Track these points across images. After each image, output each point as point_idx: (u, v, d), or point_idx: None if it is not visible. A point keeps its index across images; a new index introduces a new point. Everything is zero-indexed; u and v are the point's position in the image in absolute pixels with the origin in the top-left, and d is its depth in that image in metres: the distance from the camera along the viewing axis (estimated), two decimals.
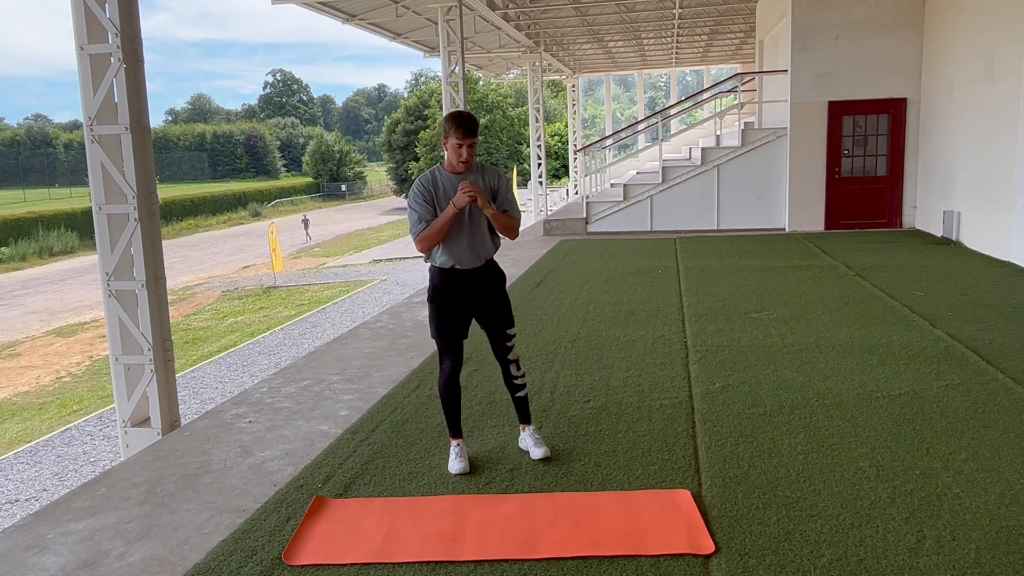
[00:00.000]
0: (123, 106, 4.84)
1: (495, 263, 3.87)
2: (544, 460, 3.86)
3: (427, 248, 3.66)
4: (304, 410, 4.92)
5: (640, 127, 19.18)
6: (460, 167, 3.61)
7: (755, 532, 3.10)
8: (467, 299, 3.77)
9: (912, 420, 4.24)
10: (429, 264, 3.80)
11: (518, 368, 3.93)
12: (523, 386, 3.95)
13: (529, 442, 3.95)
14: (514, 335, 3.90)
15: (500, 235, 3.79)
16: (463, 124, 3.54)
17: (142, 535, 3.33)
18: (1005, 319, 6.44)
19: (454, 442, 3.89)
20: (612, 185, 17.01)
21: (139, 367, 5.09)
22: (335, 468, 3.93)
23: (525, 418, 4.01)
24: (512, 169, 45.38)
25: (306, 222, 44.55)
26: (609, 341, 6.23)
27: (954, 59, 10.81)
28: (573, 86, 30.80)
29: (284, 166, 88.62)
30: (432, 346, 6.34)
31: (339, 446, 4.23)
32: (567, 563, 2.93)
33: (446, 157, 3.68)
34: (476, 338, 6.38)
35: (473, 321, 3.86)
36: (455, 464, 3.80)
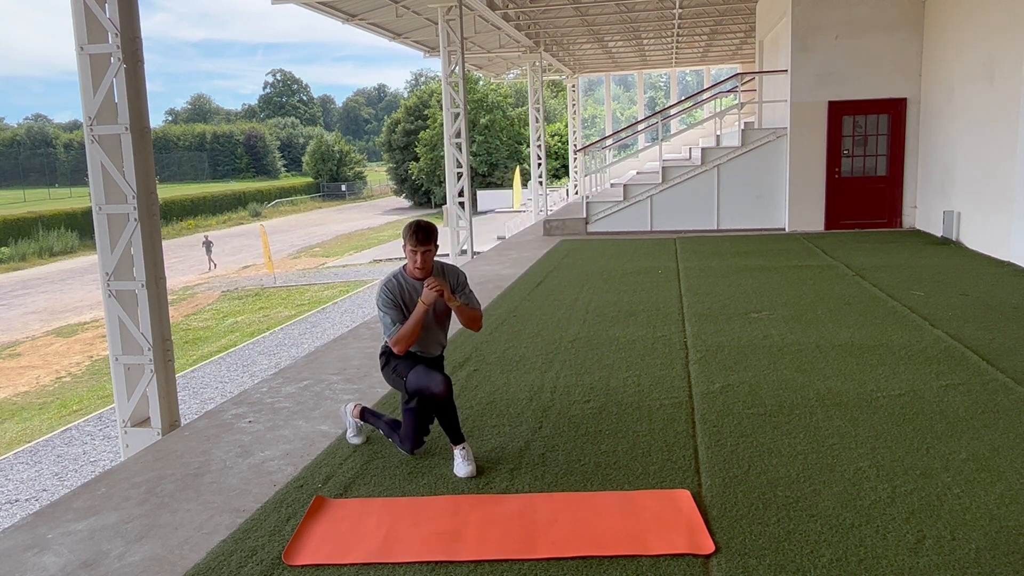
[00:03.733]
0: (123, 106, 4.84)
1: (443, 356, 4.20)
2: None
3: (404, 348, 3.86)
4: (304, 410, 4.92)
5: (640, 127, 19.17)
6: (417, 273, 3.88)
7: (755, 532, 3.10)
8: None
9: (912, 420, 4.25)
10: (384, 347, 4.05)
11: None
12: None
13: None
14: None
15: (465, 327, 4.02)
16: (417, 233, 3.81)
17: (142, 535, 3.33)
18: (1005, 319, 6.45)
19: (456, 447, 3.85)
20: (612, 185, 17.02)
21: (139, 367, 5.09)
22: (335, 468, 3.93)
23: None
24: (514, 169, 45.40)
25: (208, 245, 35.70)
26: (609, 341, 6.23)
27: (954, 59, 10.81)
28: (573, 86, 30.80)
29: (284, 166, 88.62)
30: None
31: (339, 446, 4.23)
32: (567, 563, 2.93)
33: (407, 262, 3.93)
34: (476, 338, 6.39)
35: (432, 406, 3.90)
36: (462, 468, 3.79)
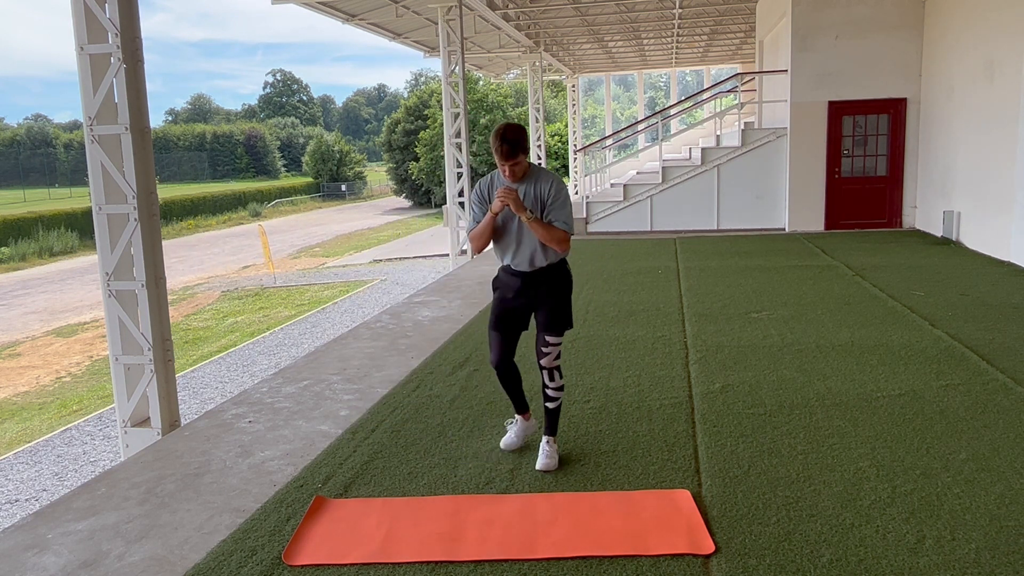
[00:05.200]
0: (123, 106, 4.84)
1: (556, 269, 3.77)
2: (543, 471, 3.78)
3: (477, 247, 3.72)
4: (304, 410, 4.92)
5: (640, 127, 19.18)
6: (508, 180, 3.65)
7: (755, 532, 3.10)
8: (518, 298, 3.77)
9: (912, 420, 4.25)
10: None
11: (551, 378, 3.81)
12: (554, 399, 3.84)
13: (542, 449, 3.86)
14: (556, 344, 3.76)
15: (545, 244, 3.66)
16: (502, 146, 3.53)
17: (142, 535, 3.33)
18: (1005, 319, 6.44)
19: (516, 417, 4.06)
20: (612, 185, 17.01)
21: (139, 367, 5.09)
22: (335, 468, 3.93)
23: (548, 429, 3.91)
24: None
25: None
26: (609, 341, 6.23)
27: (954, 59, 10.81)
28: (573, 86, 30.80)
29: (284, 166, 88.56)
30: (432, 346, 6.37)
31: (339, 446, 4.23)
32: (567, 563, 2.93)
33: None
34: (476, 338, 6.39)
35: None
36: (504, 439, 3.96)
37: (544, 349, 3.78)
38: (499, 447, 4.08)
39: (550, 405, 3.86)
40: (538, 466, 3.80)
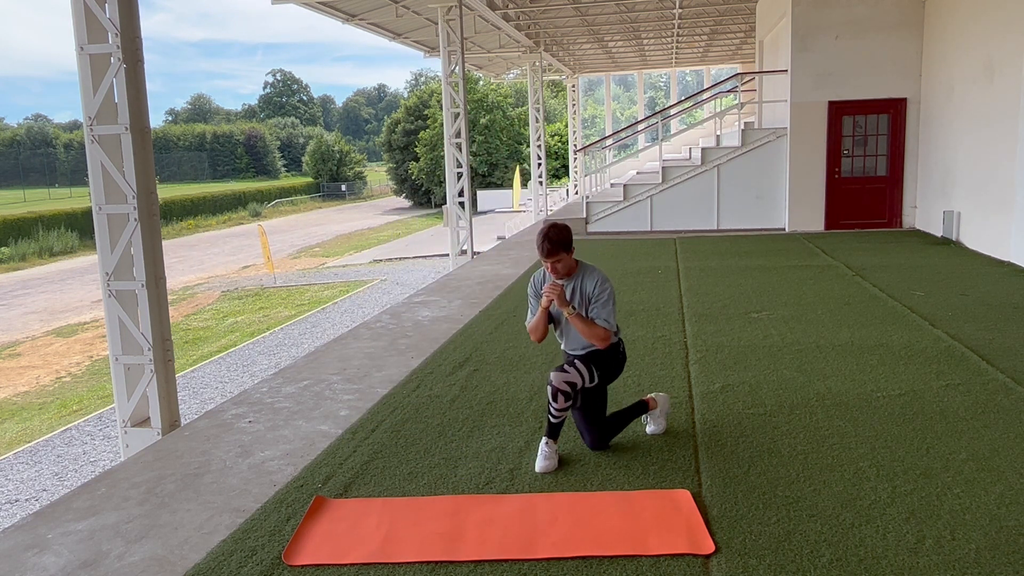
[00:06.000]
0: (123, 106, 4.84)
1: (605, 351, 3.91)
2: (543, 473, 3.78)
3: (535, 339, 3.97)
4: (304, 410, 4.92)
5: (640, 127, 19.18)
6: (554, 276, 3.87)
7: (755, 532, 3.10)
8: None
9: (912, 420, 4.25)
10: None
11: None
12: (559, 417, 3.90)
13: (541, 451, 3.87)
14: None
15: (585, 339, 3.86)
16: (543, 246, 3.75)
17: (142, 535, 3.33)
18: (1005, 319, 6.44)
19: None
20: (612, 185, 17.02)
21: (139, 367, 5.09)
22: (335, 468, 3.93)
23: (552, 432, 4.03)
24: (513, 169, 45.40)
25: None
26: None
27: (954, 59, 10.81)
28: (573, 86, 30.81)
29: (284, 166, 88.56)
30: (432, 346, 6.37)
31: (339, 446, 4.23)
32: (567, 563, 2.93)
33: None
34: (476, 338, 6.38)
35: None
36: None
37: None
38: (493, 450, 4.08)
39: (555, 421, 3.92)
40: (537, 468, 3.81)
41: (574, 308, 3.82)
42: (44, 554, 3.20)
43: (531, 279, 4.04)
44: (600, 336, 3.80)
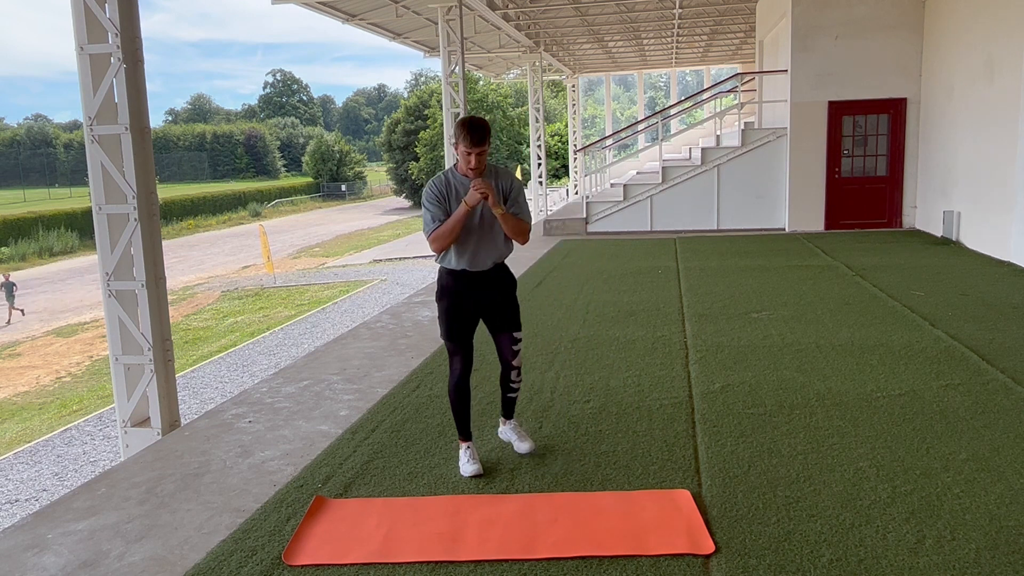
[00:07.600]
0: (123, 106, 4.84)
1: (506, 267, 3.84)
2: (530, 455, 3.89)
3: (441, 247, 3.64)
4: (304, 410, 4.92)
5: (640, 127, 19.17)
6: (470, 174, 3.60)
7: (755, 532, 3.10)
8: (475, 301, 3.75)
9: (912, 420, 4.24)
10: (439, 264, 3.79)
11: (519, 375, 3.92)
12: (517, 390, 3.98)
13: (512, 435, 4.01)
14: (520, 340, 3.86)
15: (510, 238, 3.75)
16: (472, 132, 3.51)
17: (142, 535, 3.33)
18: (1005, 319, 6.44)
19: (464, 445, 3.84)
20: (612, 185, 17.02)
21: (139, 367, 5.09)
22: (335, 468, 3.93)
23: (508, 414, 4.05)
24: (514, 169, 45.33)
25: (8, 287, 25.45)
26: (609, 341, 6.23)
27: (954, 59, 10.81)
28: (573, 86, 30.79)
29: (284, 166, 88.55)
30: (432, 346, 6.36)
31: (339, 446, 4.23)
32: (567, 563, 2.93)
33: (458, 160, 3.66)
34: (476, 338, 6.38)
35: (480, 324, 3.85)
36: (468, 467, 3.76)
37: (514, 347, 3.84)
38: (493, 450, 4.08)
39: (512, 395, 3.98)
40: (524, 450, 3.83)
41: (506, 207, 3.62)
42: (44, 554, 3.20)
43: (430, 184, 3.68)
44: (525, 230, 3.69)
